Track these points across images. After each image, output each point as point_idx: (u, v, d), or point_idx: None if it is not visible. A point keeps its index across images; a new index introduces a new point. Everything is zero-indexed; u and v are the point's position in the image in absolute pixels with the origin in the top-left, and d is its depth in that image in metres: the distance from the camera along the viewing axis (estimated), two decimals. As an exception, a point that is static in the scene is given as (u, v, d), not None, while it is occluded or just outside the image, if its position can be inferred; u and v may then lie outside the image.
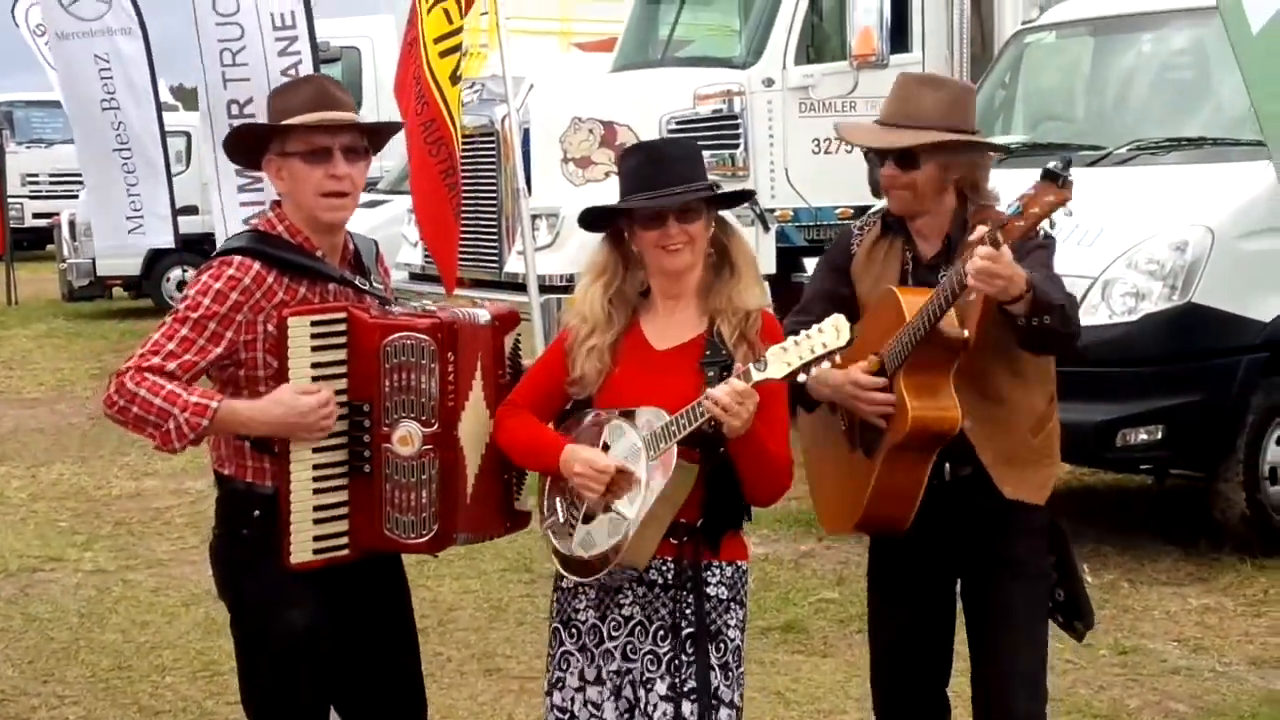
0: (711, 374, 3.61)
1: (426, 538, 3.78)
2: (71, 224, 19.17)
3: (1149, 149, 8.05)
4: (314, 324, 3.71)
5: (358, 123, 3.89)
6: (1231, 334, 7.39)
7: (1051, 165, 3.52)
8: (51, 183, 26.04)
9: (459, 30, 9.04)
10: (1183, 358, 7.35)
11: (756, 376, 3.46)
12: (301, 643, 3.79)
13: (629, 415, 3.66)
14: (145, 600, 7.44)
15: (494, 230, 11.40)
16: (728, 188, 4.08)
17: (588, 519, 3.71)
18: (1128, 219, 7.46)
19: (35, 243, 26.76)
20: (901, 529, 3.95)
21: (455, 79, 9.11)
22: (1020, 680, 4.02)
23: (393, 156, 17.36)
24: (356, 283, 3.87)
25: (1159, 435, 7.31)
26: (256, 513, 3.77)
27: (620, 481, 3.63)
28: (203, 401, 3.64)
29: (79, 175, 14.71)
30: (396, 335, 3.73)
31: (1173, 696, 5.96)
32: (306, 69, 8.94)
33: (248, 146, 3.97)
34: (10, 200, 23.12)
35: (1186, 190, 7.64)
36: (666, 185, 3.66)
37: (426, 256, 11.95)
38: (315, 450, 3.72)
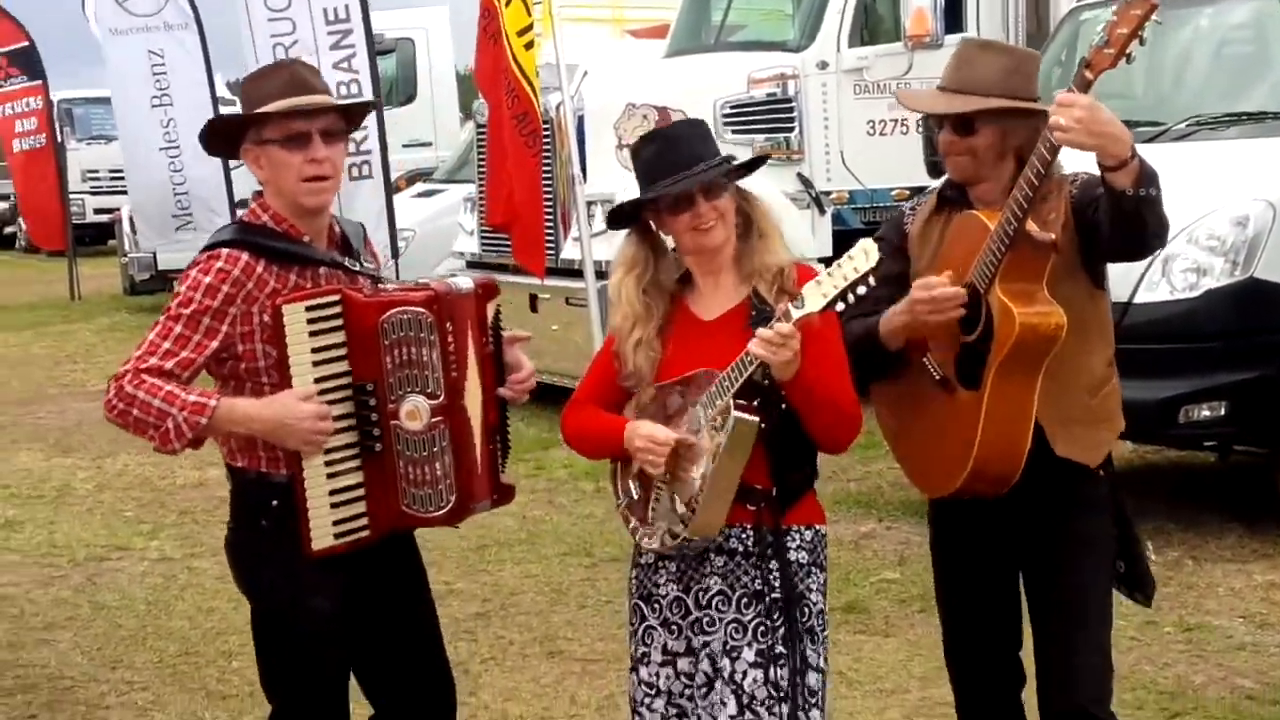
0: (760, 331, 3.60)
1: (446, 509, 3.78)
2: (131, 219, 19.32)
3: (1208, 124, 7.97)
4: (309, 309, 3.68)
5: (333, 104, 3.85)
6: (1294, 309, 7.31)
7: None
8: (111, 178, 26.27)
9: (533, 25, 9.09)
10: (1245, 333, 7.27)
11: (796, 314, 3.45)
12: (326, 629, 3.79)
13: (685, 382, 3.68)
14: (210, 587, 7.51)
15: (550, 216, 11.43)
16: (774, 167, 4.08)
17: (659, 492, 3.73)
18: (1188, 195, 7.37)
19: (97, 238, 27.05)
20: (1006, 486, 3.85)
21: (535, 71, 9.18)
22: (1086, 654, 3.99)
23: (447, 146, 17.47)
24: (346, 264, 3.85)
25: (1222, 411, 7.24)
26: (275, 502, 3.75)
27: (684, 452, 3.65)
28: (201, 400, 3.62)
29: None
30: (393, 311, 3.71)
31: (1238, 672, 5.91)
32: (361, 62, 9.03)
33: (225, 137, 3.91)
34: (72, 196, 23.35)
35: (1247, 165, 7.57)
36: (685, 168, 3.68)
37: (484, 244, 12.03)
38: None
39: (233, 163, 12.33)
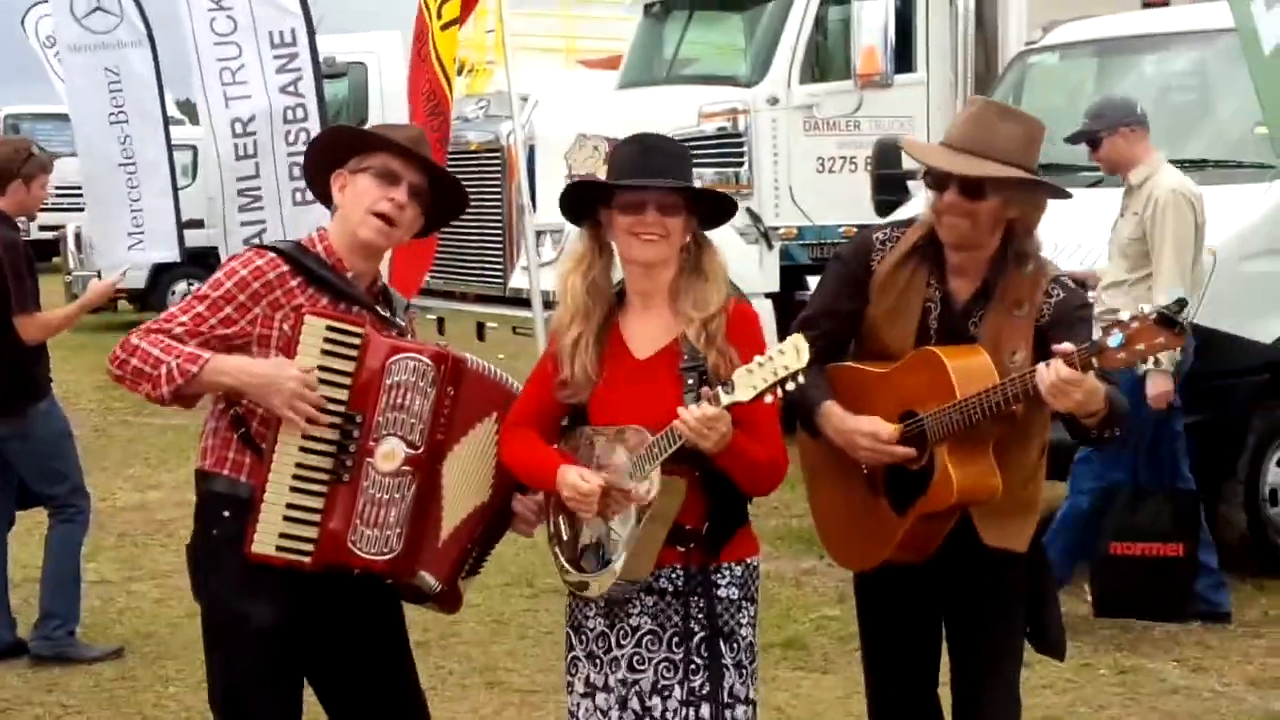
0: (691, 380, 3.64)
1: (387, 557, 3.79)
2: (77, 236, 19.21)
3: (1151, 171, 8.06)
4: (329, 329, 3.77)
5: (431, 167, 3.96)
6: (1232, 355, 7.40)
7: (1169, 308, 3.41)
8: (58, 195, 26.03)
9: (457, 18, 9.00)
10: (1189, 379, 7.37)
11: (725, 400, 3.48)
12: (268, 638, 3.80)
13: (618, 434, 3.70)
14: (149, 611, 7.47)
15: (499, 246, 11.45)
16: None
17: (585, 537, 3.76)
18: (1130, 240, 7.48)
19: (41, 255, 26.76)
20: (925, 557, 3.94)
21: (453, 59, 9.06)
22: (1003, 692, 4.06)
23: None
24: (378, 309, 3.94)
25: (1160, 456, 7.32)
26: (226, 514, 3.82)
27: (613, 498, 3.67)
28: (197, 352, 3.72)
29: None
30: (402, 355, 3.81)
31: (1172, 716, 5.98)
32: (308, 85, 8.99)
33: (334, 155, 4.00)
34: (17, 212, 23.10)
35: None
36: (657, 174, 3.71)
37: (433, 272, 11.98)
38: (302, 449, 3.75)
39: (181, 182, 12.31)
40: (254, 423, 3.81)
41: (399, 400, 3.79)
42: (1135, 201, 6.86)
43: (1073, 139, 7.24)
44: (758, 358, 3.46)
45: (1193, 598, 6.93)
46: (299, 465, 3.75)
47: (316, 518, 3.77)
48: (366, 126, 3.94)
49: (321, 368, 3.75)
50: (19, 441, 6.89)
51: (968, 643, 4.08)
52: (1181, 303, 3.48)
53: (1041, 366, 3.56)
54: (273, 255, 3.84)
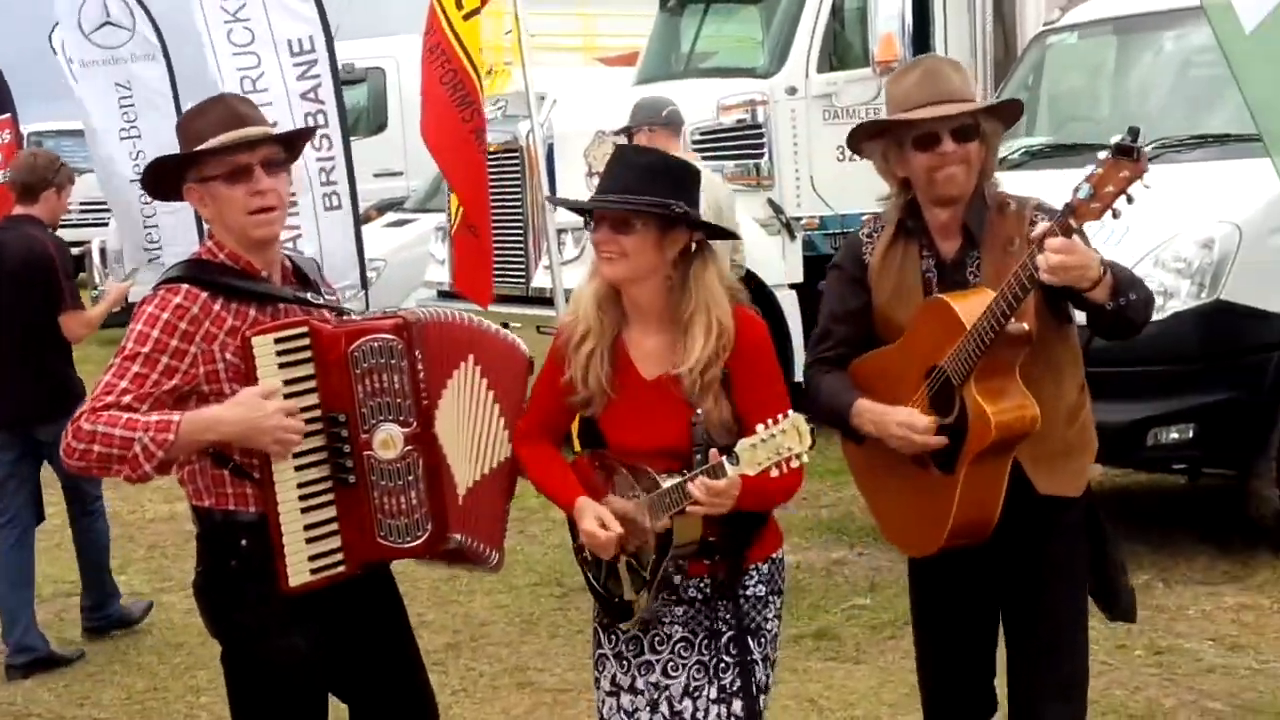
0: (699, 411, 3.62)
1: (422, 539, 3.74)
2: (103, 251, 19.24)
3: (1174, 147, 7.99)
4: (277, 341, 3.64)
5: (272, 134, 3.81)
6: (1261, 331, 7.33)
7: (1120, 139, 3.44)
8: (82, 210, 26.17)
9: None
10: (1212, 355, 7.30)
11: (731, 472, 3.45)
12: (302, 668, 3.74)
13: (633, 470, 3.68)
14: (179, 622, 7.47)
15: (520, 245, 11.42)
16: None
17: (610, 565, 3.77)
18: (1154, 217, 7.38)
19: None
20: (985, 536, 3.87)
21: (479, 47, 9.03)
22: (1058, 686, 3.99)
23: (418, 175, 17.46)
24: (308, 298, 3.84)
25: (1190, 434, 7.26)
26: (244, 541, 3.68)
27: (632, 531, 3.65)
28: (165, 418, 3.54)
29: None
30: (363, 339, 3.69)
31: (1209, 695, 5.91)
32: (328, 92, 9.00)
33: (166, 179, 3.85)
34: (43, 229, 23.19)
35: (1212, 187, 7.60)
36: (615, 191, 3.66)
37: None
38: (297, 469, 3.65)
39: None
40: (236, 455, 3.66)
41: (376, 385, 3.68)
42: None
43: (616, 134, 7.44)
44: (760, 431, 3.41)
45: None
46: (300, 485, 3.65)
47: (335, 526, 3.69)
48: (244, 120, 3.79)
49: (286, 381, 3.63)
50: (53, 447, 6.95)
51: (1024, 619, 4.01)
52: (1135, 131, 3.49)
53: (1033, 250, 3.57)
54: (186, 288, 3.65)
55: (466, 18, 8.71)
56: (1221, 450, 7.49)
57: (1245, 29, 4.53)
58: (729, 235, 4.02)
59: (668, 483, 3.56)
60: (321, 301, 3.85)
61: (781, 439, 3.39)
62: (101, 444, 3.51)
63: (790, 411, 3.42)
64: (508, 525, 4.05)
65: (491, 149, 11.69)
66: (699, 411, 3.61)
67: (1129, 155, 3.44)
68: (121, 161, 10.38)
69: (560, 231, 10.37)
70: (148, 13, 10.36)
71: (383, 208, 16.02)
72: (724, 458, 3.45)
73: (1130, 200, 3.51)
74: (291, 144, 3.92)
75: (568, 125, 11.23)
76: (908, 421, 3.81)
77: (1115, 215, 3.53)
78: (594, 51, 18.69)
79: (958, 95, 3.86)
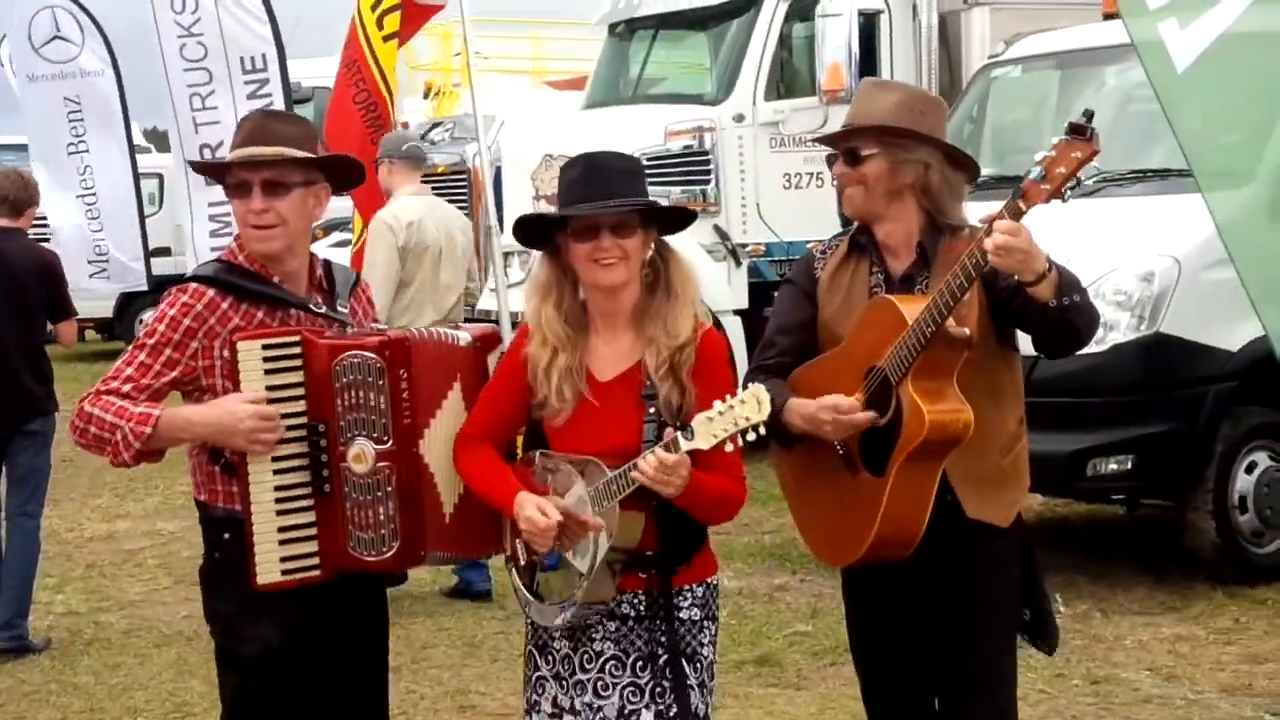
0: (652, 410, 3.63)
1: (389, 555, 3.79)
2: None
3: (1115, 180, 8.10)
4: (265, 347, 3.77)
5: (284, 158, 3.85)
6: (1199, 363, 7.43)
7: (1078, 120, 3.45)
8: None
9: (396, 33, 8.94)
10: (1151, 388, 7.39)
11: (685, 445, 3.46)
12: (270, 659, 3.82)
13: (579, 464, 3.67)
14: (117, 642, 7.41)
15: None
16: (697, 223, 4.06)
17: (543, 565, 3.74)
18: (1094, 250, 7.49)
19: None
20: (908, 551, 3.87)
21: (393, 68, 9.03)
22: (989, 716, 4.01)
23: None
24: (311, 307, 3.90)
25: (1129, 465, 7.35)
26: (227, 535, 3.84)
27: (571, 528, 3.64)
28: (147, 411, 3.73)
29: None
30: (345, 355, 3.77)
31: (1145, 725, 5.98)
32: (279, 109, 8.98)
33: (212, 176, 4.19)
34: (-18, 243, 22.95)
35: (1152, 221, 7.69)
36: (603, 198, 3.66)
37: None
38: (276, 472, 3.76)
39: (147, 210, 12.27)
40: (228, 452, 3.81)
41: (354, 400, 3.76)
42: None
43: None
44: (717, 404, 3.43)
45: None
46: (277, 488, 3.76)
47: (313, 531, 3.79)
48: None
49: (271, 386, 3.75)
50: (42, 441, 7.51)
51: (951, 651, 4.01)
52: (1090, 113, 3.51)
53: (982, 236, 3.58)
54: (196, 286, 3.84)
55: (386, 39, 8.74)
56: (1160, 481, 7.58)
57: (1177, 69, 4.56)
58: (688, 220, 3.99)
59: (614, 473, 3.56)
60: (326, 313, 3.93)
61: (740, 409, 3.40)
62: (96, 426, 3.75)
63: (751, 384, 3.43)
64: None
65: (439, 170, 11.76)
66: (651, 410, 3.61)
67: (1082, 135, 3.46)
68: (68, 176, 10.36)
69: (507, 254, 10.39)
70: (98, 27, 10.33)
71: (329, 228, 15.96)
72: (678, 433, 3.47)
73: (1079, 183, 3.53)
74: (332, 169, 4.02)
75: (516, 148, 11.25)
76: (833, 404, 3.79)
77: (1064, 199, 3.55)
78: (543, 75, 18.74)
79: (868, 120, 3.90)
